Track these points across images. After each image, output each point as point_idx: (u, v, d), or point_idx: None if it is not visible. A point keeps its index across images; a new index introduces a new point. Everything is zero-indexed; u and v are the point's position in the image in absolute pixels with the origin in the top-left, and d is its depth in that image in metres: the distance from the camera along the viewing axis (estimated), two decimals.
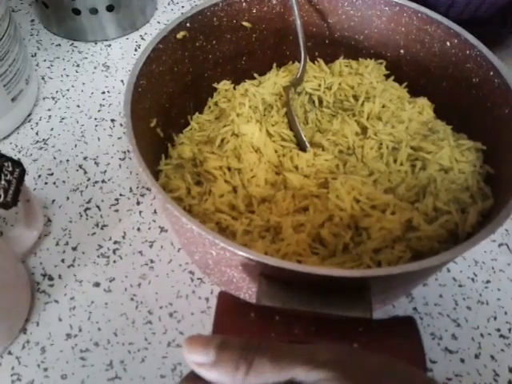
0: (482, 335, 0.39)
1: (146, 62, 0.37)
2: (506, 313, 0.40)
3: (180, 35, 0.40)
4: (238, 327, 0.25)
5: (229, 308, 0.26)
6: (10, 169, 0.33)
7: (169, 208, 0.28)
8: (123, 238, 0.43)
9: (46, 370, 0.36)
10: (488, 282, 0.41)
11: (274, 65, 0.47)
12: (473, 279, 0.41)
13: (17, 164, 0.34)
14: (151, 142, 0.39)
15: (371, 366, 0.19)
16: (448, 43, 0.40)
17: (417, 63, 0.43)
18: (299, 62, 0.43)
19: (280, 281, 0.26)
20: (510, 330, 0.39)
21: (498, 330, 0.39)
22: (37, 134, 0.50)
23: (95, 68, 0.56)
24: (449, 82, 0.41)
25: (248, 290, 0.32)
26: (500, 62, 0.37)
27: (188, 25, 0.40)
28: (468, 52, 0.39)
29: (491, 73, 0.37)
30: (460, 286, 0.41)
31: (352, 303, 0.25)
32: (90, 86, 0.54)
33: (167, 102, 0.42)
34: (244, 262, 0.27)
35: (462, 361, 0.37)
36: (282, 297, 0.26)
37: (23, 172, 0.35)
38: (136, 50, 0.59)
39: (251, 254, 0.25)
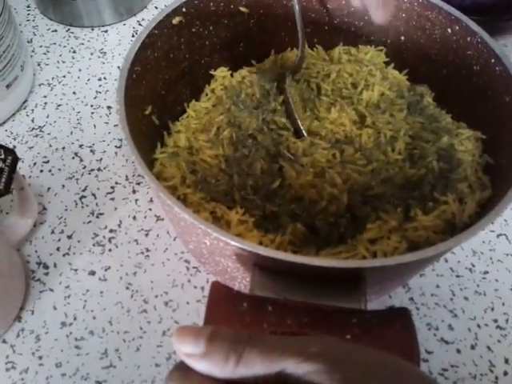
0: (478, 326, 0.38)
1: (140, 48, 0.36)
2: (503, 304, 0.39)
3: (176, 21, 0.39)
4: (230, 317, 0.25)
5: (221, 298, 0.26)
6: (3, 156, 0.33)
7: (162, 197, 0.28)
8: (119, 226, 0.43)
9: (40, 358, 0.36)
10: (486, 272, 0.41)
11: (272, 51, 0.46)
12: (470, 269, 0.41)
13: (9, 151, 0.34)
14: (146, 129, 0.38)
15: (361, 359, 0.19)
16: (449, 30, 0.39)
17: (417, 50, 0.42)
18: (298, 48, 0.43)
19: (274, 271, 0.25)
20: (507, 320, 0.39)
21: (495, 320, 0.39)
22: (32, 121, 0.49)
23: (92, 54, 0.56)
24: (449, 70, 0.40)
25: (242, 280, 0.32)
26: (501, 49, 0.36)
27: (184, 10, 0.39)
28: (469, 39, 0.38)
29: (492, 60, 0.36)
30: (457, 276, 0.41)
31: (346, 294, 0.25)
32: (86, 72, 0.54)
33: (163, 89, 0.41)
34: (237, 252, 0.27)
35: (459, 351, 0.37)
36: (276, 287, 0.25)
37: (16, 160, 0.34)
38: (133, 35, 0.58)
39: (244, 244, 0.25)
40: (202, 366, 0.20)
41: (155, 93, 0.40)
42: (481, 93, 0.37)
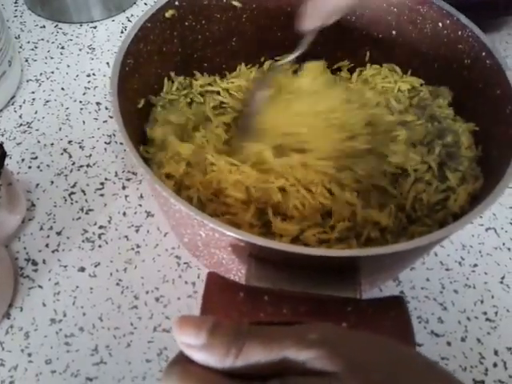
0: (468, 319, 0.39)
1: (133, 41, 0.36)
2: (492, 296, 0.40)
3: (169, 14, 0.39)
4: (226, 307, 0.25)
5: (217, 288, 0.25)
6: None
7: (157, 188, 0.27)
8: (109, 222, 0.42)
9: (30, 355, 0.36)
10: (475, 265, 0.41)
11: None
12: (460, 263, 0.41)
13: None
14: (139, 123, 0.38)
15: (359, 343, 0.19)
16: (440, 24, 0.40)
17: (409, 44, 0.43)
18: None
19: (269, 261, 0.26)
20: (496, 313, 0.39)
21: (485, 313, 0.39)
22: (20, 117, 0.49)
23: (80, 50, 0.55)
24: (440, 64, 0.41)
25: (238, 272, 0.32)
26: (492, 42, 0.36)
27: (177, 3, 0.39)
28: (460, 33, 0.38)
29: (483, 53, 0.37)
30: (447, 269, 0.41)
31: (342, 284, 0.25)
32: (74, 68, 0.53)
33: (156, 82, 0.41)
34: (233, 242, 0.27)
35: (449, 344, 0.37)
36: (271, 277, 0.25)
37: (3, 155, 0.34)
38: (122, 32, 0.57)
39: (240, 234, 0.25)
40: (201, 356, 0.19)
41: (148, 86, 0.40)
42: (472, 86, 0.38)
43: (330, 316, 0.24)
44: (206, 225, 0.26)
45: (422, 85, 0.42)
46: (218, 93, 0.43)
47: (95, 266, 0.40)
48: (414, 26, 0.41)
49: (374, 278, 0.33)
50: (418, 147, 0.36)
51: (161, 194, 0.27)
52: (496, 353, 0.37)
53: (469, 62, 0.38)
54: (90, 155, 0.46)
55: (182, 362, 0.20)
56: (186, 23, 0.41)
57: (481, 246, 0.42)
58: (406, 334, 0.24)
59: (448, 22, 0.39)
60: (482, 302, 0.40)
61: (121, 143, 0.47)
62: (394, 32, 0.43)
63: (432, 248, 0.40)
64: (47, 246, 0.41)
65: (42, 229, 0.42)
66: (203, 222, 0.25)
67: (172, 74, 0.42)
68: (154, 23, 0.38)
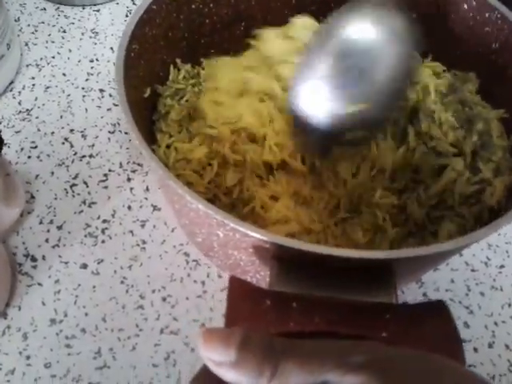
0: (495, 323, 0.37)
1: (138, 24, 0.34)
2: None
3: None
4: (253, 316, 0.22)
5: (242, 295, 0.23)
6: None
7: (171, 185, 0.25)
8: (113, 216, 0.40)
9: (28, 358, 0.34)
10: (502, 266, 0.39)
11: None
12: (486, 263, 0.39)
13: None
14: (146, 114, 0.36)
15: (410, 366, 0.17)
16: (465, 5, 0.37)
17: (430, 28, 0.40)
18: None
19: (294, 264, 0.23)
20: None
21: None
22: (19, 103, 0.46)
23: (83, 34, 0.53)
24: (465, 49, 0.38)
25: (256, 274, 0.30)
26: None
27: None
28: (487, 15, 0.36)
29: None
30: (473, 270, 0.39)
31: (374, 287, 0.23)
32: (77, 53, 0.51)
33: (161, 70, 0.39)
34: (256, 243, 0.24)
35: (475, 350, 0.35)
36: (297, 282, 0.23)
37: (1, 143, 0.32)
38: (127, 15, 0.55)
39: (265, 235, 0.23)
40: (232, 375, 0.18)
41: (153, 74, 0.38)
42: (500, 72, 0.36)
43: (368, 324, 0.22)
44: (226, 225, 0.23)
45: (444, 71, 0.39)
46: None
47: (98, 263, 0.38)
48: (436, 8, 0.39)
49: (402, 280, 0.31)
50: (457, 130, 0.34)
51: (175, 191, 0.25)
52: None
53: (497, 45, 0.36)
54: (93, 145, 0.44)
55: (205, 378, 0.18)
56: (193, 6, 0.39)
57: (508, 246, 0.40)
58: (454, 342, 0.21)
59: (474, 3, 0.37)
60: (509, 305, 0.37)
61: (125, 133, 0.45)
62: (413, 15, 0.40)
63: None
64: (47, 241, 0.39)
65: (41, 223, 0.39)
66: (223, 221, 0.23)
67: (178, 61, 0.40)
68: (160, 5, 0.36)
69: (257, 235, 0.23)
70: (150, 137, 0.35)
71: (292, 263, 0.23)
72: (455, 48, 0.39)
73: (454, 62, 0.39)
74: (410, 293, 0.37)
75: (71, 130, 0.45)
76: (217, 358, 0.18)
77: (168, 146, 0.35)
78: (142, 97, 0.36)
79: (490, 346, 0.36)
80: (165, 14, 0.37)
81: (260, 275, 0.29)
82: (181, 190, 0.25)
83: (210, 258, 0.36)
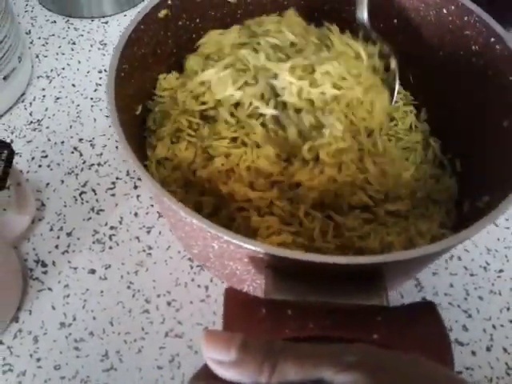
0: (494, 327, 0.37)
1: (127, 45, 0.34)
2: None
3: (162, 14, 0.38)
4: (249, 325, 0.23)
5: (237, 306, 0.24)
6: None
7: (165, 202, 0.26)
8: (120, 223, 0.41)
9: (38, 360, 0.35)
10: (501, 271, 0.40)
11: None
12: (485, 268, 0.40)
13: (4, 145, 0.32)
14: (138, 131, 0.37)
15: (399, 367, 0.18)
16: (444, 10, 0.38)
17: (412, 33, 0.41)
18: None
19: (288, 272, 0.24)
20: None
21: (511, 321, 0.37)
22: (30, 114, 0.48)
23: (92, 46, 0.54)
24: (446, 51, 0.39)
25: (252, 283, 0.30)
26: (501, 27, 0.34)
27: (169, 2, 0.38)
28: (466, 18, 0.37)
29: (492, 39, 0.35)
30: (471, 275, 0.39)
31: (366, 291, 0.23)
32: (86, 64, 0.52)
33: (152, 86, 0.40)
34: (250, 254, 0.25)
35: (473, 353, 0.36)
36: (292, 289, 0.24)
37: (12, 154, 0.33)
38: None
39: (259, 246, 0.24)
40: (231, 374, 0.19)
41: (144, 91, 0.38)
42: (481, 73, 0.36)
43: (360, 327, 0.22)
44: (220, 237, 0.24)
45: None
46: None
47: (106, 269, 0.39)
48: (417, 13, 0.40)
49: (395, 282, 0.31)
50: None
51: (170, 207, 0.26)
52: None
53: (477, 48, 0.36)
54: (101, 154, 0.45)
55: (206, 377, 0.19)
56: (180, 22, 0.40)
57: (507, 251, 0.41)
58: (443, 343, 0.22)
59: (453, 7, 0.37)
60: (508, 309, 0.38)
61: None
62: (395, 21, 0.41)
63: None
64: (57, 247, 0.40)
65: (51, 229, 0.41)
66: (217, 235, 0.24)
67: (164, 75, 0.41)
68: (147, 25, 0.37)
69: (251, 247, 0.24)
70: (141, 152, 0.36)
71: (286, 271, 0.24)
72: (437, 51, 0.40)
73: (436, 64, 0.40)
74: (408, 296, 0.38)
75: (80, 140, 0.46)
76: (219, 357, 0.19)
77: (159, 162, 0.36)
78: (134, 114, 0.37)
79: (488, 349, 0.36)
80: (152, 32, 0.37)
81: (256, 283, 0.30)
82: (175, 206, 0.25)
83: (207, 269, 0.37)
